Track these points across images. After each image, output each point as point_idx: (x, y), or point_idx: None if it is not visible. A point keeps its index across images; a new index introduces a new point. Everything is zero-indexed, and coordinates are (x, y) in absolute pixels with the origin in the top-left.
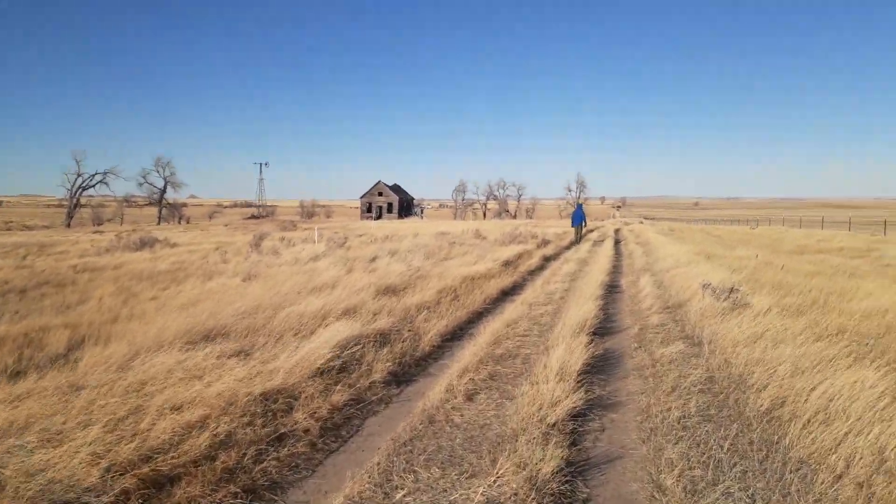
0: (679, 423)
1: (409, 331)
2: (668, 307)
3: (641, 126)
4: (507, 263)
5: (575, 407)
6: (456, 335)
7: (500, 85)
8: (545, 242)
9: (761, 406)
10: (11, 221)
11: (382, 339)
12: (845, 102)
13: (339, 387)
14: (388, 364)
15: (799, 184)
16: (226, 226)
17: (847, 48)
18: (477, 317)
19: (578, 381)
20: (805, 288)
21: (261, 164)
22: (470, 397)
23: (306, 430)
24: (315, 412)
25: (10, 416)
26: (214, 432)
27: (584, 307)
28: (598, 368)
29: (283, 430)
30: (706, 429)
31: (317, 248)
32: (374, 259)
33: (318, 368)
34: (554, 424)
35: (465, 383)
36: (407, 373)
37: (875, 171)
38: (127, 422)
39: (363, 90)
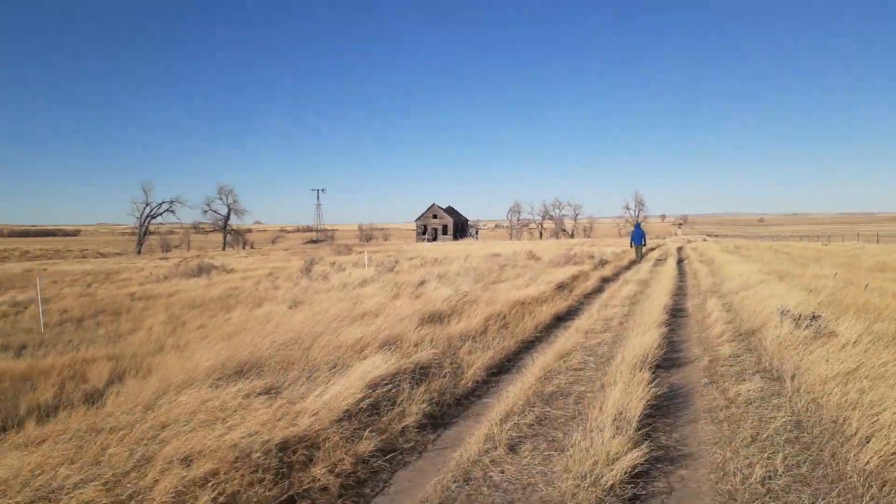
0: (763, 484)
1: (452, 363)
2: (740, 334)
3: (702, 141)
4: (561, 286)
5: (635, 465)
6: (503, 368)
7: (555, 102)
8: (603, 263)
9: (867, 465)
10: (87, 249)
11: (422, 373)
12: None
13: (367, 432)
14: (424, 405)
15: (868, 197)
16: (285, 250)
17: None
18: (527, 347)
19: (640, 429)
20: None
21: (318, 190)
22: (513, 448)
23: (324, 489)
24: (336, 465)
25: (19, 466)
26: (219, 492)
27: (645, 335)
28: (663, 410)
29: (296, 489)
30: (800, 496)
31: (366, 273)
32: (421, 283)
33: (347, 410)
34: (610, 488)
35: (509, 429)
36: (445, 414)
37: None
38: (130, 477)
39: (418, 113)
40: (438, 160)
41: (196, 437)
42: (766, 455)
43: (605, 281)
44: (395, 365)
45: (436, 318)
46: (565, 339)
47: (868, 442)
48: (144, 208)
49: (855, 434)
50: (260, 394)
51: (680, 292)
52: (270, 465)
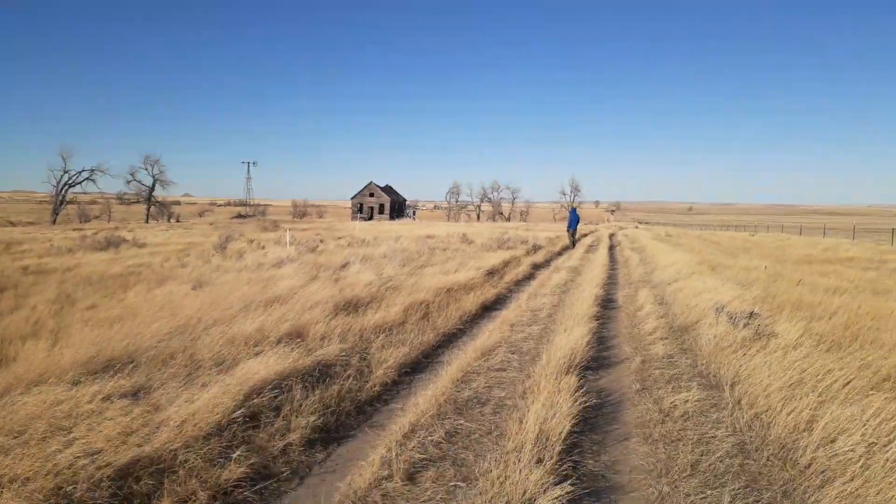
0: None
1: (361, 360)
2: (673, 330)
3: (636, 129)
4: (491, 273)
5: None
6: (419, 366)
7: (495, 83)
8: (536, 248)
9: None
10: None
11: (322, 374)
12: (840, 106)
13: (239, 452)
14: (314, 417)
15: (791, 189)
16: (210, 224)
17: (841, 50)
18: (448, 341)
19: (564, 454)
20: (830, 309)
21: (248, 163)
22: (412, 476)
23: None
24: (187, 501)
25: None
26: None
27: (574, 331)
28: (591, 424)
29: None
30: None
31: (285, 253)
32: (344, 266)
33: (218, 423)
34: None
35: (412, 449)
36: (343, 425)
37: (869, 177)
38: None
39: (358, 89)
40: (379, 138)
41: (21, 455)
42: (710, 492)
43: (537, 267)
44: (291, 364)
45: (352, 307)
46: (490, 332)
47: (827, 481)
48: (62, 176)
49: (811, 467)
50: (124, 395)
51: (611, 281)
52: (99, 502)
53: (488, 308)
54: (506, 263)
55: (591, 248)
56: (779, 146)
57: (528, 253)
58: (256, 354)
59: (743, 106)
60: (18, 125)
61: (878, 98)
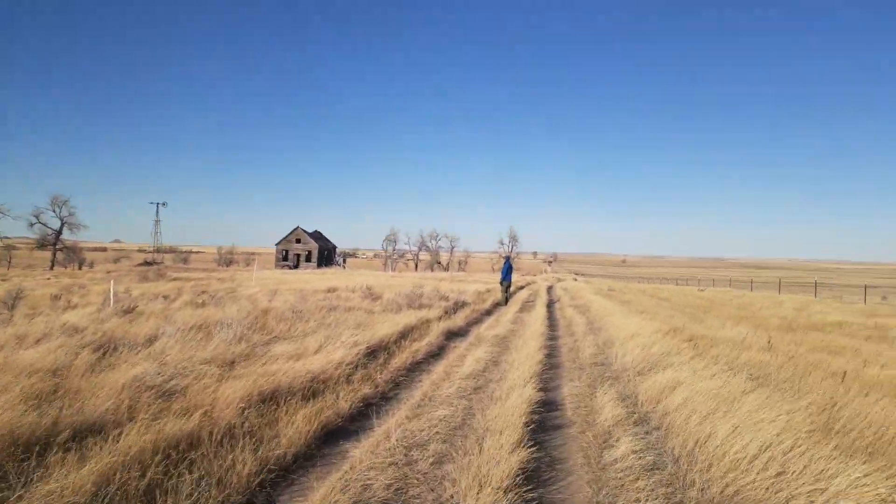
0: None
1: None
2: None
3: (570, 183)
4: (374, 352)
5: None
6: None
7: (436, 132)
8: (458, 307)
9: None
10: None
11: None
12: (760, 164)
13: None
14: None
15: (715, 243)
16: (108, 272)
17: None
18: None
19: None
20: None
21: (157, 203)
22: None
23: None
24: None
25: None
26: None
27: None
28: None
29: None
30: None
31: (75, 318)
32: (150, 341)
33: None
34: None
35: None
36: None
37: (787, 231)
38: None
39: (291, 133)
40: (313, 180)
41: None
42: None
43: (451, 337)
44: None
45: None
46: None
47: None
48: None
49: None
50: None
51: (552, 363)
52: None
53: (331, 436)
54: (405, 333)
55: (526, 306)
56: (706, 200)
57: (445, 314)
58: None
59: (670, 162)
60: None
61: (796, 157)
